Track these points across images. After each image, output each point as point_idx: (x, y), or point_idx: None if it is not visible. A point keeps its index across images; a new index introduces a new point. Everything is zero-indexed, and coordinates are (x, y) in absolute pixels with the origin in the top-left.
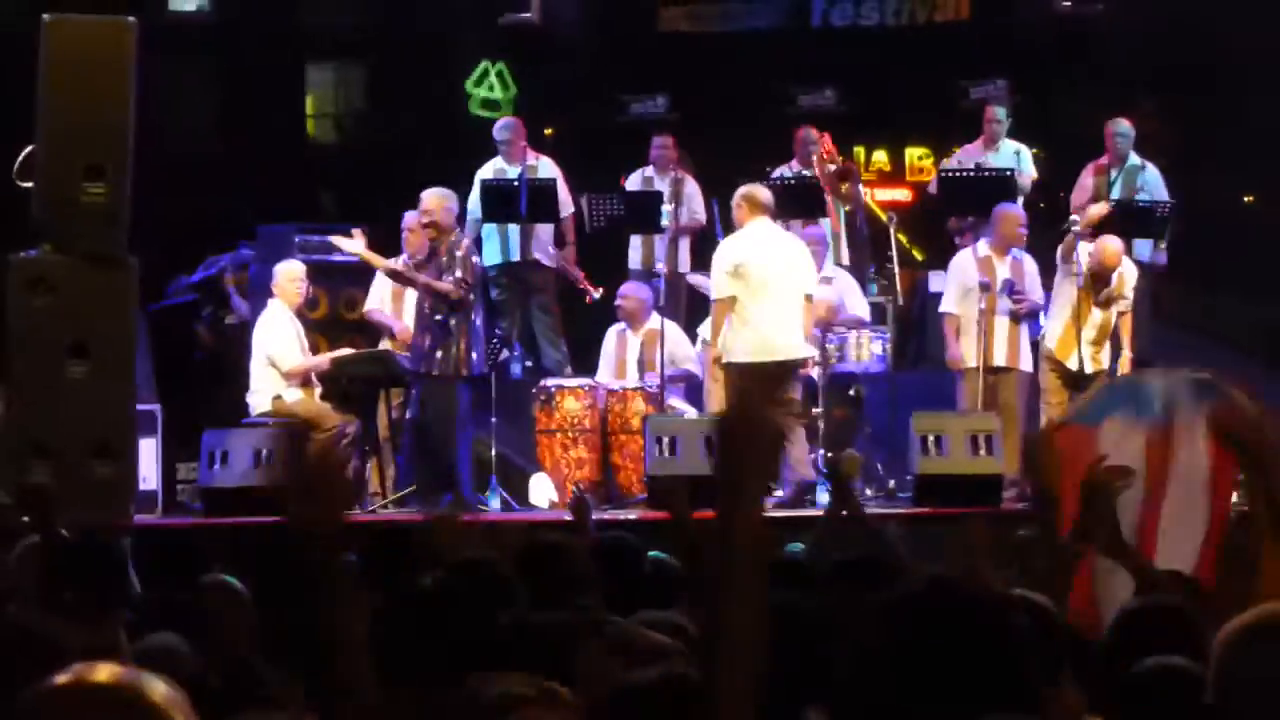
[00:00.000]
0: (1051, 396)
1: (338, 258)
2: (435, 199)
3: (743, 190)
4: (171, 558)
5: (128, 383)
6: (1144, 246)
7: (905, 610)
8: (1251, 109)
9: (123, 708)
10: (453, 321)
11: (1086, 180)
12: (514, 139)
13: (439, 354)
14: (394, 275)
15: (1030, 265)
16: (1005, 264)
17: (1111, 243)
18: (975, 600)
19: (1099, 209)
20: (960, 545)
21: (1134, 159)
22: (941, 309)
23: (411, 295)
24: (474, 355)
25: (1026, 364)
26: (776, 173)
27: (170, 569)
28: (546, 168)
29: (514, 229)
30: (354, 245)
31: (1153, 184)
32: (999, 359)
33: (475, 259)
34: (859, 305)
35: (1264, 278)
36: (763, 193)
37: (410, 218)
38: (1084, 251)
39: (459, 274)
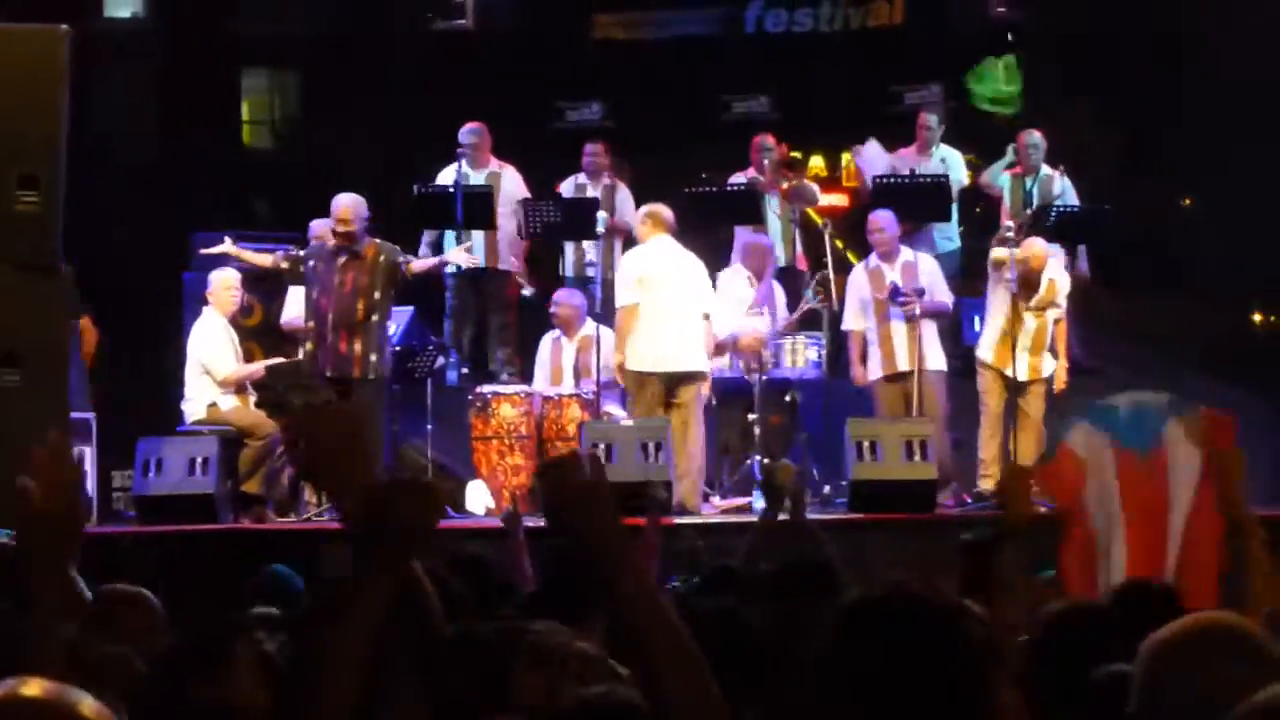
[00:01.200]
0: (990, 401)
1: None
2: (351, 207)
3: (647, 208)
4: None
5: (61, 391)
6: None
7: (864, 617)
8: (1187, 112)
9: None
10: (365, 324)
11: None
12: (479, 144)
13: (350, 358)
14: (273, 268)
15: (927, 264)
16: (895, 269)
17: (1037, 244)
18: (934, 608)
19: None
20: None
21: (1045, 169)
22: (843, 328)
23: None
24: (371, 358)
25: (936, 363)
26: (731, 179)
27: (104, 578)
28: (510, 176)
29: (479, 236)
30: (220, 247)
31: (1066, 192)
32: (903, 364)
33: (405, 265)
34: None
35: (1202, 282)
36: (665, 211)
37: (319, 226)
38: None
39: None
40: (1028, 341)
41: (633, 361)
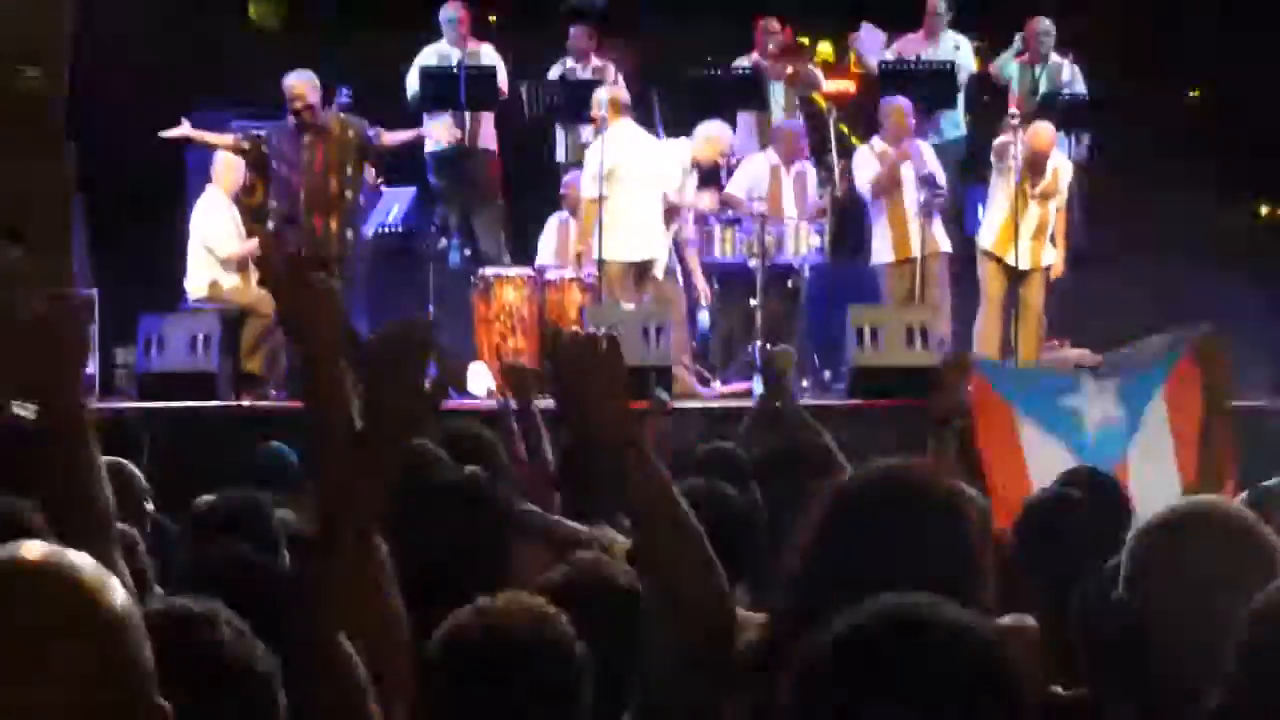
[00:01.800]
0: (991, 289)
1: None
2: (302, 82)
3: (605, 93)
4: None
5: (64, 268)
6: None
7: (858, 497)
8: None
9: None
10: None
11: (1010, 74)
12: (461, 22)
13: (326, 237)
14: (234, 148)
15: (929, 154)
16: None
17: (1043, 128)
18: (930, 490)
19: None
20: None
21: (1055, 57)
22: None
23: None
24: (348, 235)
25: (945, 246)
26: (735, 63)
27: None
28: (489, 54)
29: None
30: (178, 131)
31: (1075, 80)
32: (916, 249)
33: (376, 136)
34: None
35: (1206, 176)
36: (624, 94)
37: None
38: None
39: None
40: (1030, 228)
41: (606, 251)
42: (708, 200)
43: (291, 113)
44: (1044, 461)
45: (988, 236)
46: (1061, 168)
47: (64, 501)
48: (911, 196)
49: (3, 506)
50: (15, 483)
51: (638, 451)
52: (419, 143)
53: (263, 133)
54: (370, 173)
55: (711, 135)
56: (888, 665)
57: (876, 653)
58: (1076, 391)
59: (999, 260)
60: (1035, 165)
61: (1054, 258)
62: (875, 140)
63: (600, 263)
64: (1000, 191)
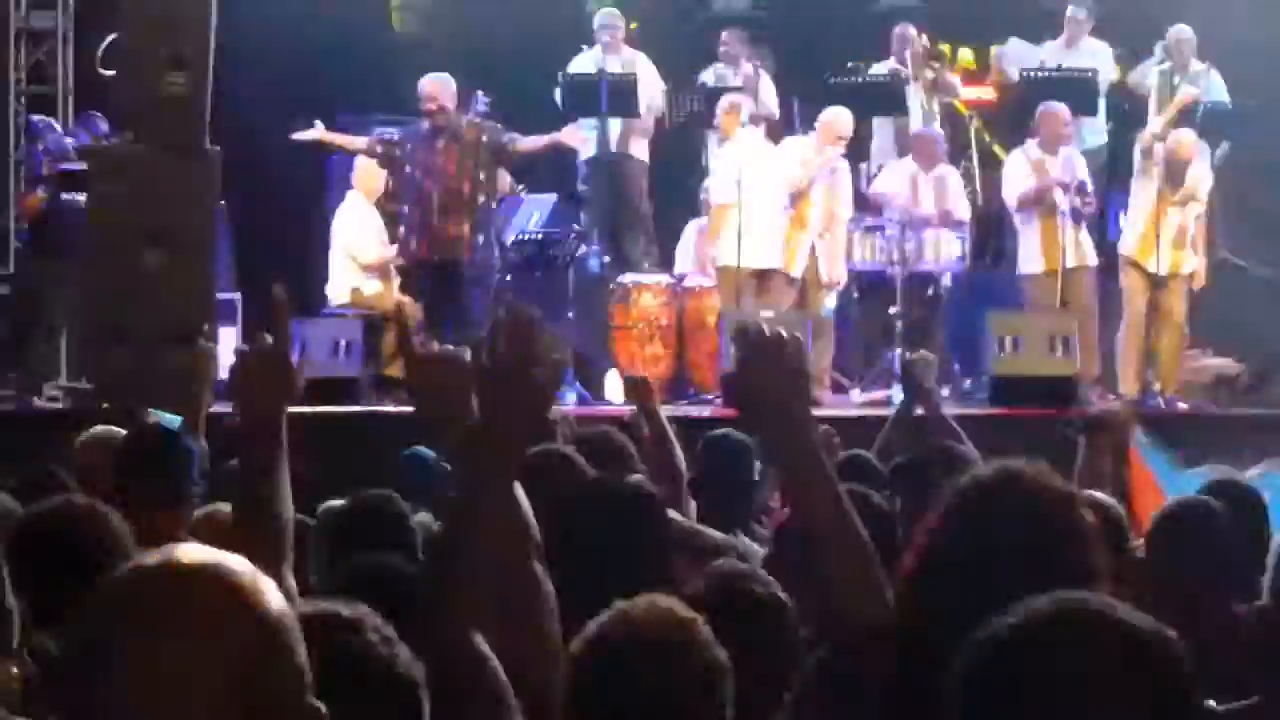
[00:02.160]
0: (1133, 299)
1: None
2: (437, 84)
3: (726, 101)
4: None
5: (206, 271)
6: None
7: (974, 497)
8: None
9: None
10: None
11: (1150, 84)
12: (614, 30)
13: (458, 240)
14: (367, 152)
15: (1079, 162)
16: (1057, 164)
17: (1184, 135)
18: (1042, 492)
19: (1181, 99)
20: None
21: (1195, 65)
22: (1012, 203)
23: None
24: (479, 239)
25: (1093, 259)
26: (871, 70)
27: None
28: (643, 63)
29: (614, 122)
30: (312, 133)
31: (1215, 88)
32: (1068, 260)
33: (511, 144)
34: (963, 207)
35: None
36: (748, 102)
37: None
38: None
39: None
40: (1170, 235)
41: (727, 257)
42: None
43: (425, 115)
44: None
45: (1129, 243)
46: (1202, 175)
47: (248, 504)
48: (1063, 206)
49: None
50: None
51: (813, 451)
52: (556, 149)
53: (396, 136)
54: (509, 180)
55: (824, 120)
56: (1068, 661)
57: (1053, 651)
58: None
59: (1140, 267)
60: (1175, 172)
61: (1195, 265)
62: (1030, 146)
63: (722, 269)
64: (1141, 197)
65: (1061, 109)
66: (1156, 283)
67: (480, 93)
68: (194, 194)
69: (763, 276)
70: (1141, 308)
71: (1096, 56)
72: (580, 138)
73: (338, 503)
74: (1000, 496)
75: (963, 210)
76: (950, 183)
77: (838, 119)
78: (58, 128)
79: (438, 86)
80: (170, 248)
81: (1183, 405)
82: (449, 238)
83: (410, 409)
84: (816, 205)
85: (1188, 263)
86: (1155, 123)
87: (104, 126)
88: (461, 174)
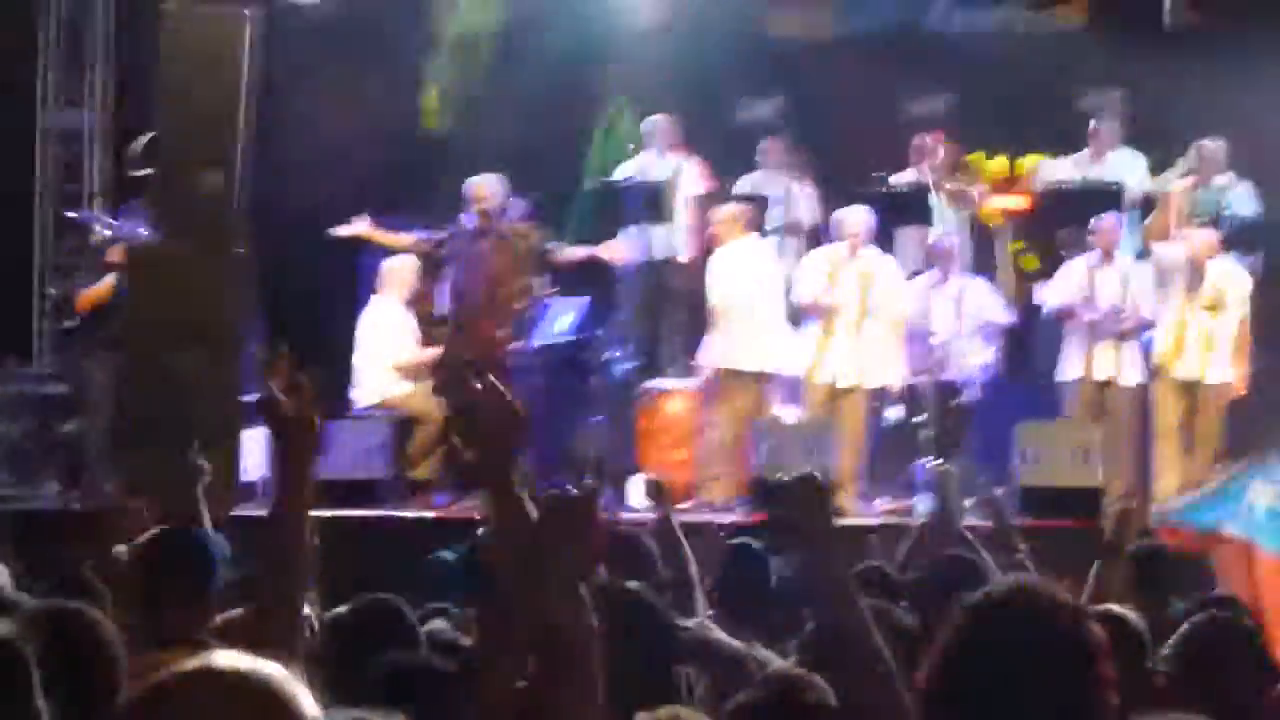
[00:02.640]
0: (1164, 411)
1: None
2: (488, 185)
3: (723, 210)
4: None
5: (236, 371)
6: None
7: (981, 613)
8: None
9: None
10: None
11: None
12: (662, 135)
13: (496, 339)
14: (413, 249)
15: (1139, 275)
16: (1111, 275)
17: (1199, 236)
18: (1050, 606)
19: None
20: None
21: (1220, 178)
22: (1048, 307)
23: None
24: (518, 341)
25: (1133, 377)
26: (895, 178)
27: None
28: (690, 168)
29: (657, 228)
30: (354, 228)
31: (1242, 201)
32: (1103, 372)
33: (551, 253)
34: (994, 308)
35: None
36: (745, 211)
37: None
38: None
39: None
40: (1198, 341)
41: (725, 359)
42: None
43: (476, 214)
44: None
45: (1158, 351)
46: (1231, 278)
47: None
48: (1109, 321)
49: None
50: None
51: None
52: (595, 262)
53: (444, 234)
54: (542, 281)
55: (835, 221)
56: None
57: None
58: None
59: (1171, 379)
60: (1196, 276)
61: (1227, 375)
62: (1091, 255)
63: (722, 371)
64: (1170, 303)
65: (1112, 219)
66: (1187, 391)
67: (521, 197)
68: (228, 293)
69: (759, 379)
70: (1173, 419)
71: (1128, 167)
72: (621, 253)
73: (342, 609)
74: (1008, 612)
75: (988, 317)
76: (968, 294)
77: (846, 218)
78: (109, 218)
79: (486, 187)
80: (203, 347)
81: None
82: (489, 338)
83: (437, 512)
84: (847, 309)
85: (1216, 371)
86: (1153, 229)
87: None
88: (504, 275)
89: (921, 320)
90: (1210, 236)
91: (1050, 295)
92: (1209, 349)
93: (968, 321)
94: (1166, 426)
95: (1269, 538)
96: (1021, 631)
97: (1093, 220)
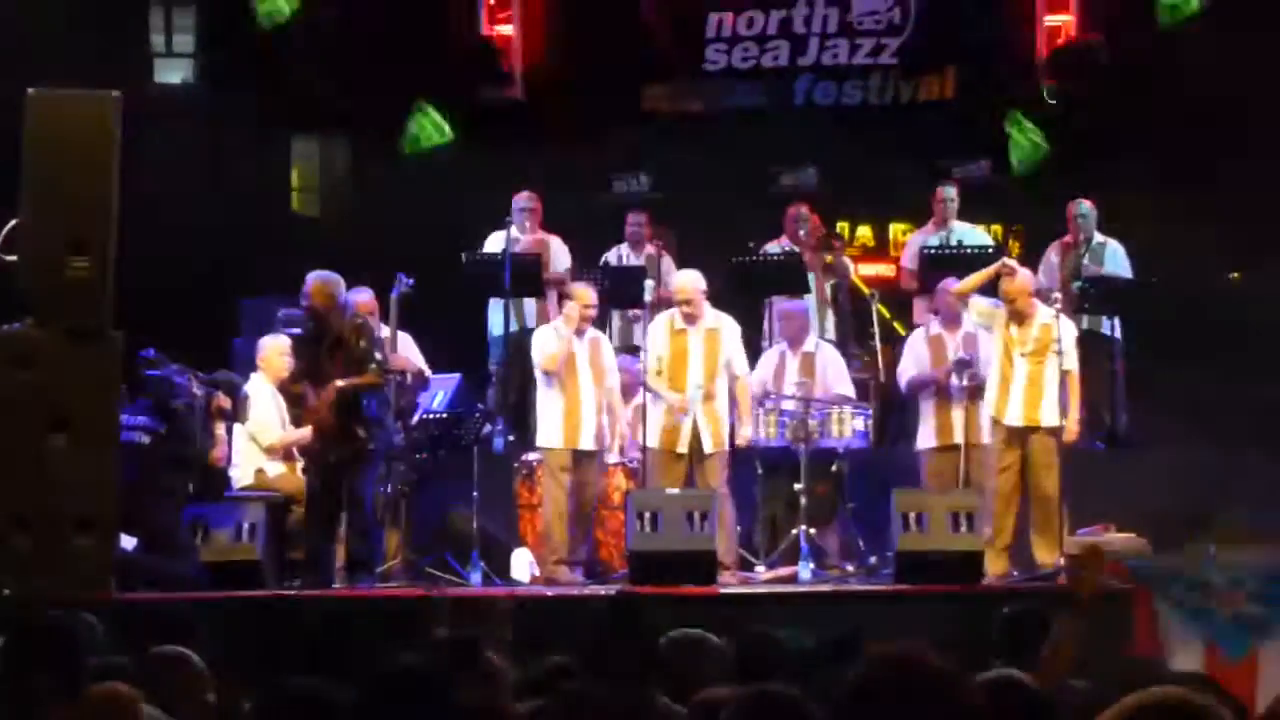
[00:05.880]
0: (997, 460)
1: None
2: (315, 284)
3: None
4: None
5: (109, 456)
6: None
7: (860, 688)
8: (1238, 185)
9: None
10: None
11: (1051, 257)
12: (533, 211)
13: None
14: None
15: (985, 337)
16: (957, 338)
17: (1020, 278)
18: (924, 676)
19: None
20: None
21: (1098, 237)
22: (904, 385)
23: None
24: (360, 433)
25: (987, 436)
26: (765, 248)
27: (159, 640)
28: (556, 245)
29: (529, 302)
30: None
31: (1115, 261)
32: (958, 436)
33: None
34: (842, 381)
35: (1250, 357)
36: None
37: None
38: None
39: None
40: (1023, 385)
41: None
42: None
43: (306, 313)
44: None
45: (989, 401)
46: (1056, 325)
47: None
48: (954, 382)
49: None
50: None
51: None
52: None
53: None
54: (417, 364)
55: (673, 284)
56: None
57: None
58: (1209, 586)
59: (999, 422)
60: (1017, 318)
61: (1057, 421)
62: (932, 324)
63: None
64: (995, 352)
65: (947, 285)
66: (1021, 443)
67: (403, 275)
68: (97, 378)
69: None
70: (1011, 465)
71: (967, 236)
72: (409, 365)
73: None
74: (885, 683)
75: (837, 386)
76: (818, 360)
77: (683, 285)
78: None
79: (317, 286)
80: (73, 432)
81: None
82: (334, 434)
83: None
84: (690, 378)
85: (1046, 416)
86: (963, 284)
87: None
88: (347, 368)
89: (773, 386)
90: (1024, 278)
91: (902, 369)
92: (1034, 402)
93: (819, 388)
94: (1001, 471)
95: (1231, 643)
96: (898, 702)
97: (938, 288)
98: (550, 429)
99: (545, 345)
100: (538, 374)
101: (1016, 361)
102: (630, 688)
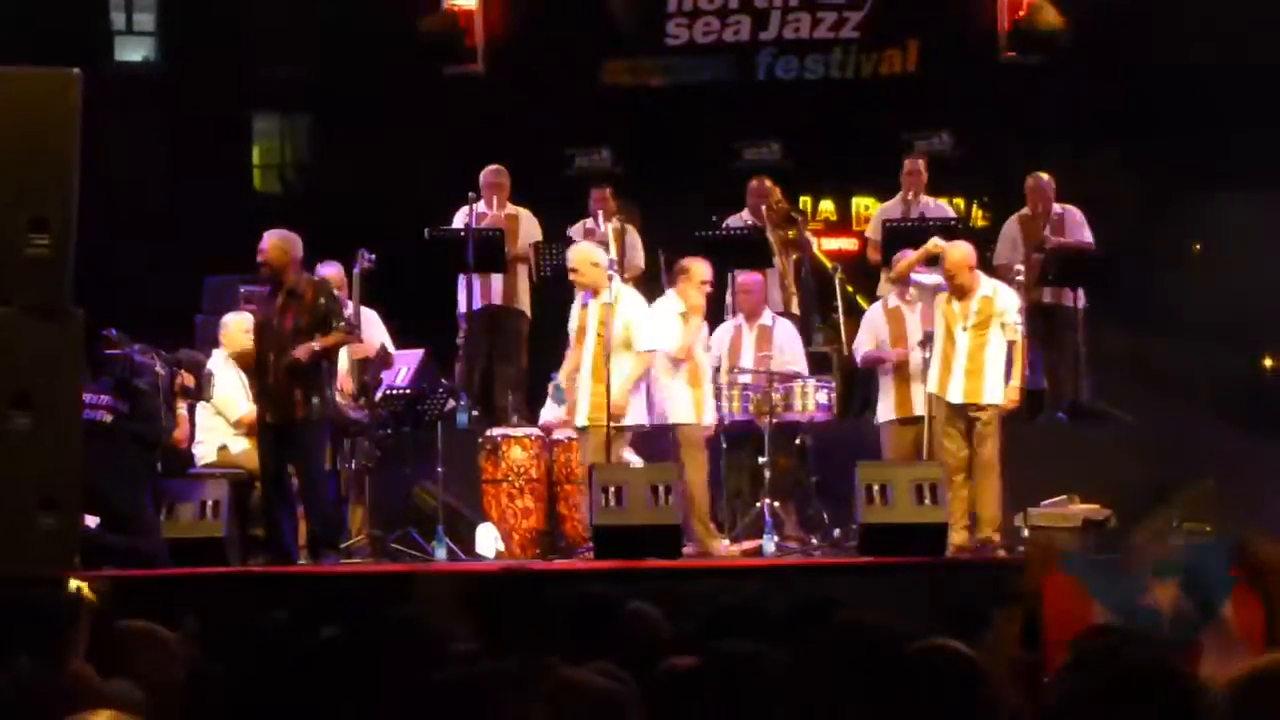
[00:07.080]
0: (941, 438)
1: None
2: (271, 242)
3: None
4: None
5: (72, 434)
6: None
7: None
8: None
9: None
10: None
11: (1012, 230)
12: (501, 185)
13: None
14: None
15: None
16: (915, 311)
17: (955, 247)
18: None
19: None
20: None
21: (1056, 207)
22: (860, 360)
23: None
24: (313, 400)
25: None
26: (728, 222)
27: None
28: (526, 218)
29: (495, 276)
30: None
31: (1076, 229)
32: (919, 409)
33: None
34: (797, 359)
35: (1209, 325)
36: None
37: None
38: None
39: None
40: (964, 362)
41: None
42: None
43: (263, 271)
44: None
45: (931, 378)
46: (998, 296)
47: None
48: (916, 356)
49: None
50: None
51: None
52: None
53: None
54: (381, 339)
55: (683, 268)
56: None
57: None
58: (1149, 591)
59: (941, 400)
60: (958, 293)
61: (998, 396)
62: (890, 297)
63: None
64: (938, 328)
65: (911, 255)
66: (961, 412)
67: (364, 250)
68: (58, 356)
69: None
70: (958, 454)
71: (932, 209)
72: (367, 348)
73: None
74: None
75: (790, 361)
76: (777, 332)
77: (694, 266)
78: None
79: (273, 244)
80: (35, 411)
81: (1001, 553)
82: (283, 398)
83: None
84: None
85: (990, 392)
86: (898, 269)
87: None
88: (296, 334)
89: (729, 360)
90: (961, 250)
91: (857, 344)
92: (975, 375)
93: (775, 363)
94: (948, 455)
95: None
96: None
97: (895, 258)
98: (683, 407)
99: (669, 335)
100: (658, 358)
101: (958, 337)
102: (521, 658)
